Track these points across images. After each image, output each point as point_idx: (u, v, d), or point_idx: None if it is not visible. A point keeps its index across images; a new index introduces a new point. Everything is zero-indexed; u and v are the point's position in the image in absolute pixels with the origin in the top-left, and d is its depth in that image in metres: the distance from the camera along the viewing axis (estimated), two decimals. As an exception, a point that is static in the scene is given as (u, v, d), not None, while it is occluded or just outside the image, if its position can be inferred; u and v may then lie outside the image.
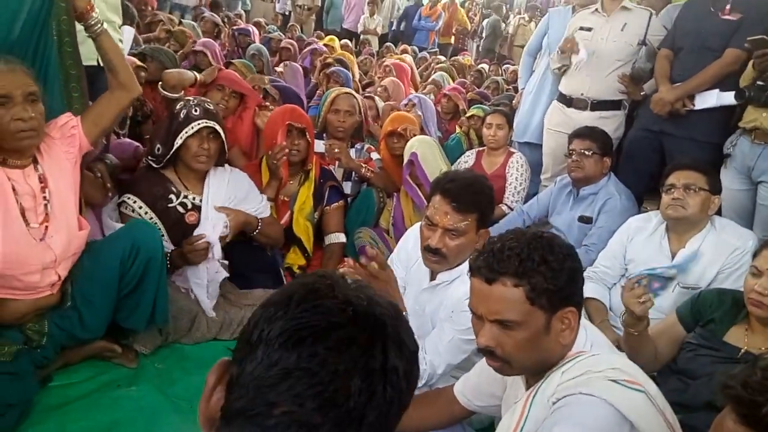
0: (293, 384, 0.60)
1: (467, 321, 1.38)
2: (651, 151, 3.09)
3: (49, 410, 1.87)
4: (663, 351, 1.91)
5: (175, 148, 2.33)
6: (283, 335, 0.62)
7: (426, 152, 2.93)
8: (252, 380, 0.62)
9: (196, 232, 2.33)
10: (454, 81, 6.18)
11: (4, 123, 1.70)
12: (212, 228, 2.35)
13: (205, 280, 2.34)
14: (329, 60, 5.28)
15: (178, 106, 2.39)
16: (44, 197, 1.86)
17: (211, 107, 2.44)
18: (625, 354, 1.78)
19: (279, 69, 4.79)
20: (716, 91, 2.80)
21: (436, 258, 1.84)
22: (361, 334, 0.63)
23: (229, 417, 0.63)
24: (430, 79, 6.08)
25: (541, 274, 1.17)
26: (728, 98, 2.74)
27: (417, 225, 2.22)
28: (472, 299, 1.27)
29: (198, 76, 3.04)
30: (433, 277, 1.96)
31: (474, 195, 1.82)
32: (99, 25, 1.99)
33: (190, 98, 2.46)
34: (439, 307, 1.92)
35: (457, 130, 4.47)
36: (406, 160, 2.96)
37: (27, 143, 1.78)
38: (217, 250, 2.34)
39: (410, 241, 2.11)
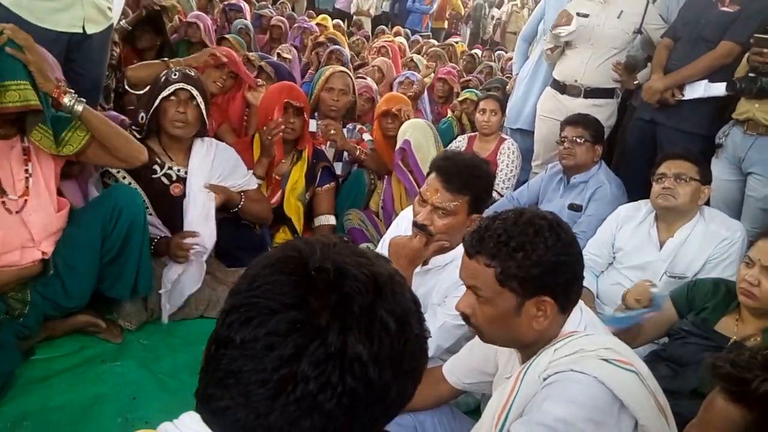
0: (240, 368, 0.58)
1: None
2: (645, 141, 3.10)
3: (32, 383, 1.85)
4: (649, 331, 1.93)
5: (151, 111, 2.28)
6: (232, 313, 0.60)
7: (419, 139, 2.89)
8: (209, 360, 0.60)
9: (185, 208, 2.29)
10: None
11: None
12: (204, 219, 2.32)
13: (169, 285, 2.24)
14: (321, 39, 5.21)
15: (162, 73, 2.35)
16: (26, 170, 1.83)
17: (192, 73, 2.40)
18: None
19: (286, 55, 4.70)
20: (705, 81, 2.81)
21: (422, 234, 1.83)
22: (314, 315, 0.58)
23: (197, 400, 0.62)
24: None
25: (514, 260, 1.18)
26: (717, 89, 2.75)
27: (410, 208, 2.21)
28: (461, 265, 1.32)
29: (170, 63, 2.80)
30: (425, 262, 1.95)
31: (468, 177, 1.80)
32: (77, 104, 1.85)
33: (173, 67, 2.41)
34: (432, 292, 1.92)
35: (449, 114, 4.43)
36: (398, 145, 2.93)
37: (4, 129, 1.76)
38: (206, 254, 2.33)
39: (403, 224, 2.10)
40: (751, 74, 2.50)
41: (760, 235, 1.83)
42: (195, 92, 2.31)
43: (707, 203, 2.46)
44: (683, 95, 2.85)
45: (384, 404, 0.61)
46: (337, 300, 0.59)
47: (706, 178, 2.35)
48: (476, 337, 1.54)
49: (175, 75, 2.31)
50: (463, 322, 1.41)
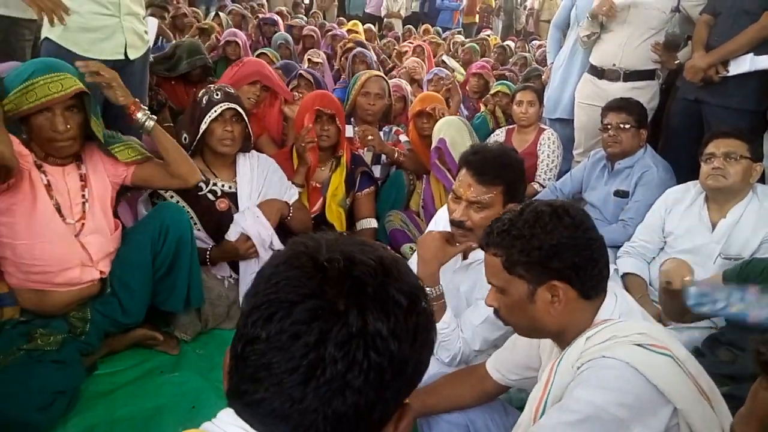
0: (269, 361, 0.61)
1: None
2: (690, 121, 2.99)
3: (96, 397, 1.93)
4: None
5: (200, 133, 2.35)
6: (254, 313, 0.63)
7: (454, 136, 2.87)
8: (238, 359, 0.63)
9: (235, 223, 2.37)
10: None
11: (44, 131, 1.82)
12: (253, 220, 2.38)
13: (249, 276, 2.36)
14: (350, 45, 5.26)
15: (200, 94, 2.41)
16: (83, 195, 1.93)
17: (232, 91, 2.46)
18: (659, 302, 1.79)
19: (316, 59, 4.77)
20: (750, 55, 2.69)
21: (461, 231, 1.82)
22: (334, 301, 0.61)
23: (229, 397, 0.65)
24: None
25: (515, 247, 1.22)
26: (764, 62, 2.63)
27: (446, 206, 2.21)
28: None
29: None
30: (465, 257, 1.95)
31: (499, 167, 1.78)
32: (148, 120, 2.04)
33: (212, 85, 2.47)
34: (474, 287, 1.91)
35: (482, 108, 4.38)
36: (433, 145, 2.92)
37: (64, 151, 1.88)
38: (271, 241, 2.39)
39: (441, 223, 2.10)
40: None
41: None
42: (240, 110, 2.38)
43: (761, 181, 2.36)
44: (728, 71, 2.74)
45: (406, 376, 0.64)
46: (351, 285, 0.63)
47: (757, 155, 2.26)
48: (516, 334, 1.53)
49: (217, 95, 2.36)
50: None
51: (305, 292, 0.62)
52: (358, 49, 4.71)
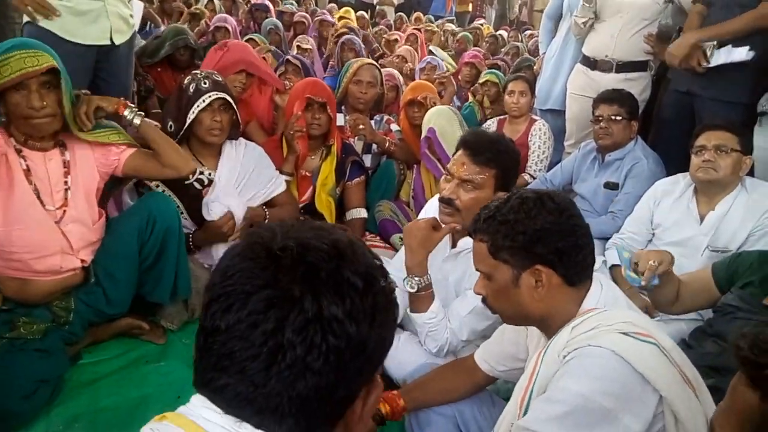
0: (230, 349, 0.63)
1: None
2: (682, 113, 2.98)
3: (80, 386, 1.91)
4: (686, 297, 1.84)
5: (188, 123, 2.31)
6: (213, 305, 0.65)
7: (444, 125, 2.86)
8: (201, 350, 0.66)
9: (205, 204, 2.31)
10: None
11: (20, 109, 1.77)
12: (230, 201, 2.34)
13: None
14: (342, 30, 5.21)
15: (186, 81, 2.35)
16: (65, 182, 1.90)
17: (220, 78, 2.41)
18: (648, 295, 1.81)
19: (305, 45, 4.71)
20: (728, 46, 2.67)
21: (449, 210, 1.82)
22: (287, 289, 0.63)
23: (197, 386, 0.67)
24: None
25: (500, 233, 1.25)
26: (739, 54, 2.62)
27: (437, 196, 2.19)
28: None
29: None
30: (454, 245, 1.94)
31: (495, 151, 1.79)
32: (136, 117, 2.00)
33: (198, 72, 2.41)
34: (463, 277, 1.91)
35: (470, 98, 4.35)
36: (423, 134, 2.90)
37: (41, 129, 1.83)
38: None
39: (430, 212, 2.09)
40: None
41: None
42: (229, 99, 2.34)
43: (750, 173, 2.37)
44: (709, 63, 2.72)
45: (365, 355, 0.66)
46: (305, 271, 0.65)
47: (747, 148, 2.26)
48: (504, 324, 1.53)
49: (205, 84, 2.31)
50: None
51: (260, 283, 0.64)
52: (347, 36, 4.67)
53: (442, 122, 2.86)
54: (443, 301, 1.92)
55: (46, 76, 1.78)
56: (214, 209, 2.30)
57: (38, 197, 1.84)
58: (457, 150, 1.85)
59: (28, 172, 1.83)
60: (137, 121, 1.99)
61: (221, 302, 0.64)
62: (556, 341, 1.21)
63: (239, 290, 0.64)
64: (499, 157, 1.79)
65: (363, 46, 4.79)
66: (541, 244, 1.21)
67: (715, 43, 2.65)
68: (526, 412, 1.19)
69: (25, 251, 1.80)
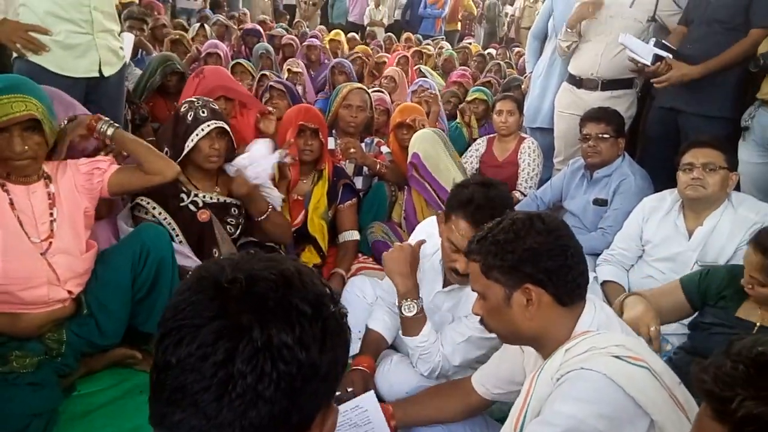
0: (182, 383, 0.63)
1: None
2: (667, 129, 3.03)
3: (74, 418, 1.90)
4: (663, 314, 1.82)
5: (186, 150, 2.33)
6: (164, 340, 0.66)
7: (428, 150, 2.89)
8: (154, 387, 0.66)
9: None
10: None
11: (2, 150, 1.79)
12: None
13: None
14: (357, 55, 5.26)
15: (183, 109, 2.38)
16: (51, 214, 1.90)
17: (216, 107, 2.44)
18: None
19: (296, 69, 4.75)
20: (643, 42, 2.88)
21: (461, 278, 1.82)
22: (236, 320, 0.64)
23: (152, 424, 0.67)
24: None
25: (491, 253, 1.28)
26: (643, 53, 2.83)
27: (430, 219, 2.21)
28: None
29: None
30: (446, 284, 1.96)
31: (496, 211, 1.70)
32: (109, 128, 2.01)
33: (193, 99, 2.43)
34: (458, 304, 1.93)
35: (458, 118, 4.37)
36: (408, 159, 2.92)
37: (21, 171, 1.85)
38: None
39: (419, 235, 2.10)
40: None
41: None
42: (226, 126, 2.37)
43: (737, 188, 2.40)
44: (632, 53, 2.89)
45: (318, 379, 0.67)
46: (253, 301, 0.66)
47: (732, 165, 2.30)
48: (503, 347, 1.54)
49: (203, 113, 2.34)
50: (489, 334, 1.49)
51: (209, 315, 0.65)
52: (337, 60, 4.72)
53: (426, 147, 2.89)
54: (437, 325, 1.93)
55: (30, 121, 1.80)
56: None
57: (22, 229, 1.84)
58: (455, 212, 1.79)
59: (11, 205, 1.84)
60: (110, 131, 1.99)
61: (172, 336, 0.65)
62: (549, 364, 1.22)
63: (189, 324, 0.65)
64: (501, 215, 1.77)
65: (352, 68, 4.84)
66: (529, 263, 1.24)
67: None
68: (521, 430, 1.20)
69: (11, 282, 1.79)
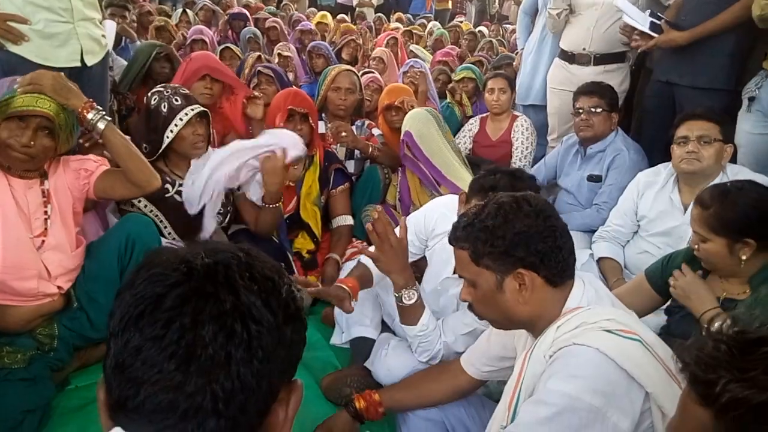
0: (146, 356, 0.59)
1: None
2: (663, 103, 2.99)
3: (69, 412, 1.89)
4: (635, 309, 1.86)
5: (168, 142, 2.29)
6: (123, 319, 0.62)
7: (420, 129, 2.83)
8: (113, 372, 0.61)
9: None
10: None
11: (10, 138, 1.78)
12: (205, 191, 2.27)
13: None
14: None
15: (153, 101, 2.32)
16: (45, 212, 1.89)
17: (187, 91, 2.40)
18: None
19: (286, 53, 4.68)
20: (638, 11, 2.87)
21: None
22: (202, 284, 0.62)
23: (113, 417, 0.62)
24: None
25: (480, 239, 1.25)
26: (640, 20, 2.82)
27: (445, 199, 2.20)
28: None
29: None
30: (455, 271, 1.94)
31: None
32: (100, 121, 1.90)
33: (160, 89, 2.37)
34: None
35: (448, 98, 4.31)
36: (401, 138, 2.88)
37: (17, 163, 1.83)
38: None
39: (433, 217, 2.07)
40: None
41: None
42: (205, 109, 2.32)
43: (733, 159, 2.37)
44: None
45: (285, 345, 0.65)
46: (216, 269, 0.64)
47: (727, 137, 2.27)
48: (491, 327, 1.53)
49: (177, 101, 2.29)
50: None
51: (171, 282, 0.62)
52: (314, 42, 4.66)
53: (418, 125, 2.84)
54: (443, 310, 1.91)
55: (47, 121, 1.80)
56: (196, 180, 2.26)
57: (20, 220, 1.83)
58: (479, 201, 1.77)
59: (13, 195, 1.83)
60: (101, 125, 1.90)
61: (131, 311, 0.61)
62: (541, 341, 1.22)
63: (149, 294, 0.61)
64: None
65: (331, 49, 4.77)
66: (521, 247, 1.22)
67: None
68: (514, 414, 1.19)
69: (3, 271, 1.78)
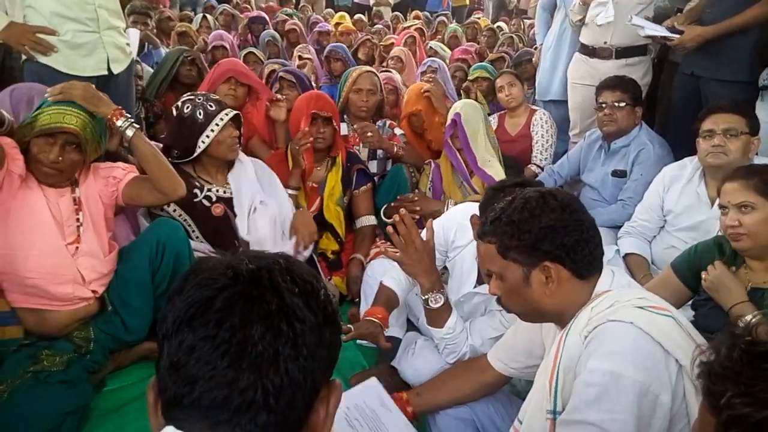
0: (200, 354, 0.63)
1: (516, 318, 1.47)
2: (689, 96, 2.95)
3: (106, 414, 1.93)
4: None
5: (203, 148, 2.32)
6: (176, 321, 0.66)
7: (469, 113, 2.84)
8: (169, 372, 0.65)
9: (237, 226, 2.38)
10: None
11: (40, 154, 1.84)
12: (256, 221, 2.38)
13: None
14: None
15: (186, 109, 2.35)
16: (77, 219, 1.94)
17: (217, 97, 2.45)
18: None
19: (306, 55, 4.71)
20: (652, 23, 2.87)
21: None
22: (248, 287, 0.66)
23: (167, 414, 0.66)
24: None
25: (507, 233, 1.27)
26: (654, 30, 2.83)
27: (461, 208, 2.20)
28: None
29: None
30: (479, 281, 1.95)
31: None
32: (129, 128, 1.96)
33: (192, 96, 2.41)
34: (492, 299, 1.91)
35: (464, 97, 4.31)
36: (449, 120, 2.88)
37: (47, 177, 1.89)
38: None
39: (452, 228, 2.08)
40: None
41: (723, 180, 1.79)
42: (237, 112, 2.38)
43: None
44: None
45: (325, 345, 0.69)
46: (260, 273, 0.68)
47: (754, 129, 2.23)
48: (518, 321, 1.54)
49: (211, 107, 2.33)
50: None
51: (219, 286, 0.66)
52: (331, 45, 4.67)
53: (468, 110, 2.84)
54: (466, 315, 1.92)
55: (74, 137, 1.85)
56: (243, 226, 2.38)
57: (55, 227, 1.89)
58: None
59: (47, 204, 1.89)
60: (130, 132, 1.96)
61: (183, 315, 0.65)
62: (576, 322, 1.23)
63: (198, 298, 0.65)
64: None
65: (348, 51, 4.79)
66: (547, 241, 1.24)
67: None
68: (556, 395, 1.20)
69: (40, 276, 1.84)
